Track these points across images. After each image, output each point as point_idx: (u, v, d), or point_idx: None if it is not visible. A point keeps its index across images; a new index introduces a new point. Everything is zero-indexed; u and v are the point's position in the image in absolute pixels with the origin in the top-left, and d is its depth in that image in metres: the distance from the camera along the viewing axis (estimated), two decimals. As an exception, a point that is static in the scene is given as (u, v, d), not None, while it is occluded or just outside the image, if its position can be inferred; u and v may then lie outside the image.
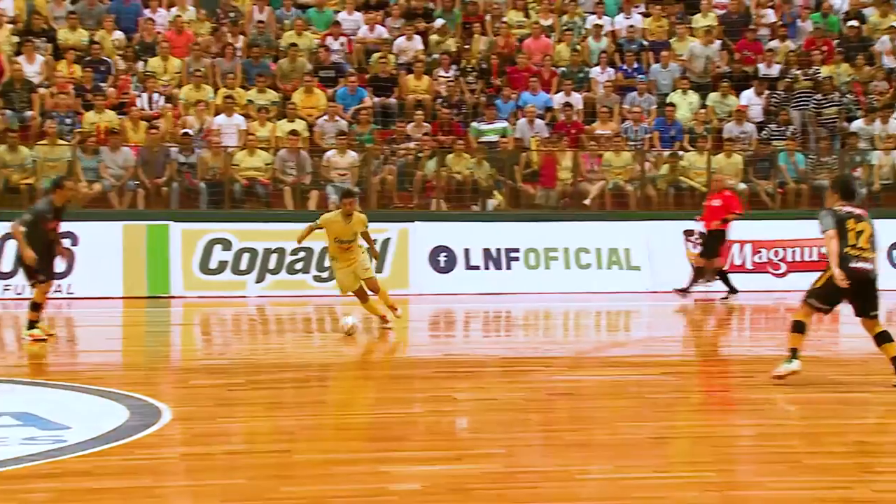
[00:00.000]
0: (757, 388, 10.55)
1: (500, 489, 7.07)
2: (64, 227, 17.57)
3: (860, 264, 10.28)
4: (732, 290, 18.12)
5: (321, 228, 13.95)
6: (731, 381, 11.42)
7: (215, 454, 8.22)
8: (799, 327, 10.40)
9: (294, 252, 18.37)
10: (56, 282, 16.43)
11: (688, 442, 8.68)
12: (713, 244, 18.11)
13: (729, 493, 6.97)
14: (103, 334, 15.45)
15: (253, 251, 18.53)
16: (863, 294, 10.35)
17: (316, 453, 8.36)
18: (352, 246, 13.83)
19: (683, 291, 18.22)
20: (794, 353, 10.34)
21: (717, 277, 18.17)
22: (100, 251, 17.98)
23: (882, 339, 10.40)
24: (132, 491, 7.09)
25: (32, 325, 13.22)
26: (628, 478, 7.33)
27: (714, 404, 10.31)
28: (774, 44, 22.86)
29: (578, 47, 22.45)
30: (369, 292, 14.17)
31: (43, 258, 13.09)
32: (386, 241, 18.57)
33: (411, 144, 20.52)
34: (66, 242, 17.72)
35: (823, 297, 10.41)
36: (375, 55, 21.66)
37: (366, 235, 13.97)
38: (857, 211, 10.56)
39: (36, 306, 13.24)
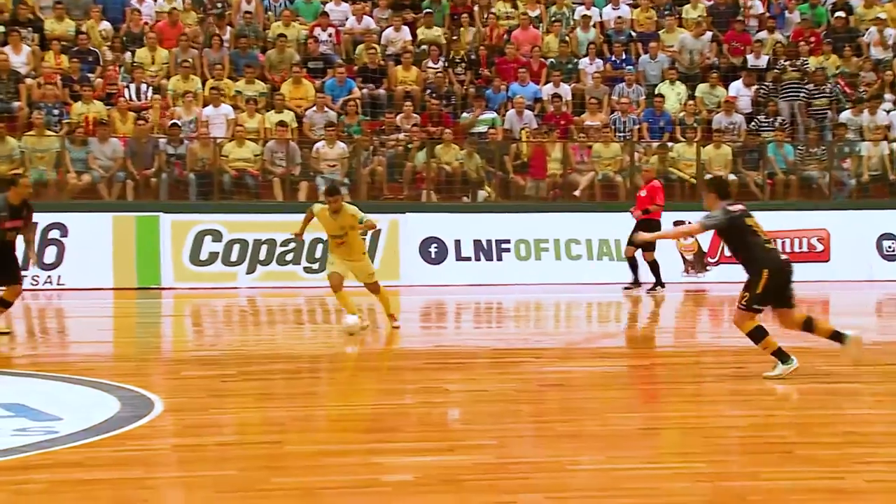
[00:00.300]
0: (748, 379, 10.57)
1: (492, 480, 7.09)
2: (54, 218, 17.73)
3: (784, 255, 10.59)
4: (659, 283, 18.03)
5: (315, 218, 13.66)
6: (721, 372, 11.44)
7: (207, 445, 8.22)
8: (761, 332, 10.33)
9: (284, 243, 18.39)
10: (41, 276, 16.41)
11: (679, 433, 8.70)
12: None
13: (720, 484, 6.99)
14: (94, 325, 15.44)
15: (243, 242, 18.54)
16: (790, 284, 10.44)
17: (307, 444, 8.37)
18: (345, 240, 13.36)
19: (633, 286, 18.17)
20: (780, 354, 10.32)
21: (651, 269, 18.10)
22: (89, 242, 17.97)
23: (809, 324, 10.46)
24: (124, 482, 7.09)
25: None
26: (619, 468, 7.35)
27: (705, 395, 10.33)
28: (763, 35, 22.90)
29: (567, 38, 22.47)
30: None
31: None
32: (377, 233, 18.56)
33: (401, 135, 20.52)
34: (55, 234, 17.84)
35: (767, 299, 10.35)
36: (363, 46, 21.64)
37: (366, 224, 13.49)
38: (742, 206, 10.73)
39: (3, 303, 13.04)
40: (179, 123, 19.61)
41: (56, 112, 19.52)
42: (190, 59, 20.55)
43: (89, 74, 20.29)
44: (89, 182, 18.97)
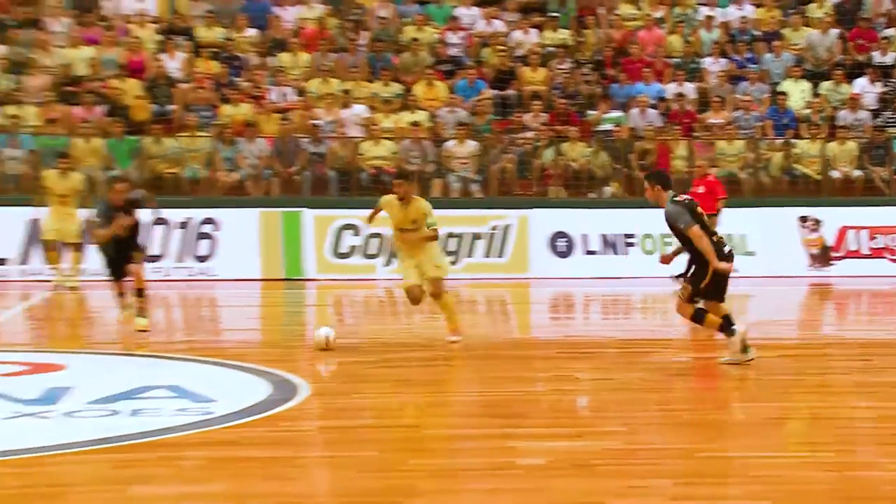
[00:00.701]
0: (874, 371, 10.33)
1: (622, 465, 7.06)
2: (206, 214, 18.11)
3: (727, 248, 10.40)
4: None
5: (383, 211, 12.00)
6: (848, 365, 11.19)
7: (350, 428, 8.35)
8: (701, 314, 10.34)
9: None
10: (195, 268, 16.49)
11: (805, 423, 8.56)
12: None
13: (847, 474, 6.86)
14: (244, 314, 15.72)
15: (381, 236, 18.69)
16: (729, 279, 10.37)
17: (443, 429, 8.44)
18: (412, 237, 11.65)
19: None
20: (727, 326, 10.28)
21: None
22: (238, 236, 18.28)
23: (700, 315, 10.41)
24: (274, 461, 7.24)
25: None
26: (747, 456, 7.26)
27: (831, 386, 10.12)
28: (890, 32, 22.25)
29: (690, 38, 22.16)
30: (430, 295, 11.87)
31: (110, 255, 12.50)
32: (506, 228, 18.61)
33: (529, 134, 20.47)
34: (207, 228, 18.22)
35: (714, 293, 10.31)
36: (492, 48, 21.66)
37: (430, 230, 11.62)
38: (689, 197, 10.66)
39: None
40: (320, 123, 19.88)
41: (207, 114, 19.93)
42: (329, 63, 20.83)
43: (237, 78, 20.67)
44: (238, 179, 19.33)
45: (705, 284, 10.23)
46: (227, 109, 19.93)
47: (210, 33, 21.42)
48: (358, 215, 18.73)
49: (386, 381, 10.05)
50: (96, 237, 12.62)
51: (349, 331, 14.22)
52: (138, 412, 8.40)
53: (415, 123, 19.94)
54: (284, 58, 21.11)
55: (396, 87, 20.90)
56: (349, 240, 18.65)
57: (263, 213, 18.57)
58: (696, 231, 10.16)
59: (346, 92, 20.40)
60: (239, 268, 18.12)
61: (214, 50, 21.05)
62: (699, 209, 10.43)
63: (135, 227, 12.45)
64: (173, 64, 20.62)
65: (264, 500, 6.40)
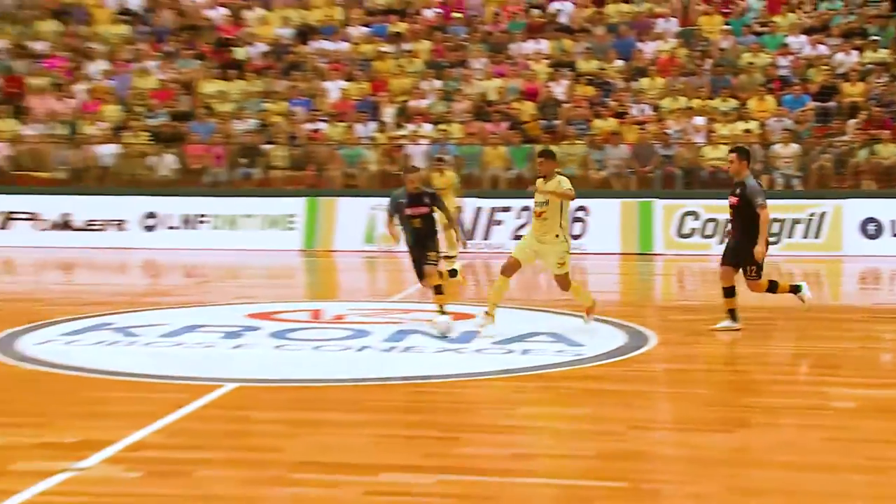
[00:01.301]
0: None
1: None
2: (581, 203, 18.18)
3: None
4: None
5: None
6: None
7: (689, 370, 8.14)
8: (774, 284, 9.53)
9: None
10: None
11: None
12: None
13: None
14: (607, 280, 15.69)
15: (716, 221, 18.06)
16: None
17: (766, 374, 8.06)
18: (545, 212, 9.23)
19: None
20: (733, 314, 9.38)
21: None
22: (604, 220, 18.25)
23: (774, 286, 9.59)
24: (628, 393, 7.20)
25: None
26: None
27: None
28: None
29: None
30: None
31: (410, 240, 9.88)
32: (822, 215, 17.44)
33: (845, 137, 19.00)
34: (581, 214, 18.29)
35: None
36: (816, 68, 20.25)
37: (562, 195, 9.17)
38: None
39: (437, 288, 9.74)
40: (670, 132, 19.44)
41: (583, 126, 20.02)
42: (679, 85, 20.30)
43: (606, 98, 20.59)
44: (604, 177, 19.30)
45: (760, 261, 9.35)
46: (598, 123, 19.92)
47: (587, 65, 21.46)
48: (698, 204, 18.25)
49: (718, 336, 9.69)
50: (392, 234, 9.87)
51: (689, 295, 13.87)
52: (527, 352, 8.55)
53: (747, 131, 19.05)
54: (644, 82, 20.79)
55: (733, 103, 20.05)
56: (690, 224, 18.18)
57: (623, 203, 18.43)
58: (767, 213, 9.17)
59: (691, 108, 19.82)
60: (604, 244, 18.08)
61: (590, 77, 21.07)
62: None
63: (429, 221, 9.76)
64: (559, 89, 20.84)
65: (618, 423, 6.37)
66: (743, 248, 9.34)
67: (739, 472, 5.28)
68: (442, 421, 6.44)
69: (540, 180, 9.40)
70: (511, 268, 9.40)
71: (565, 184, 9.28)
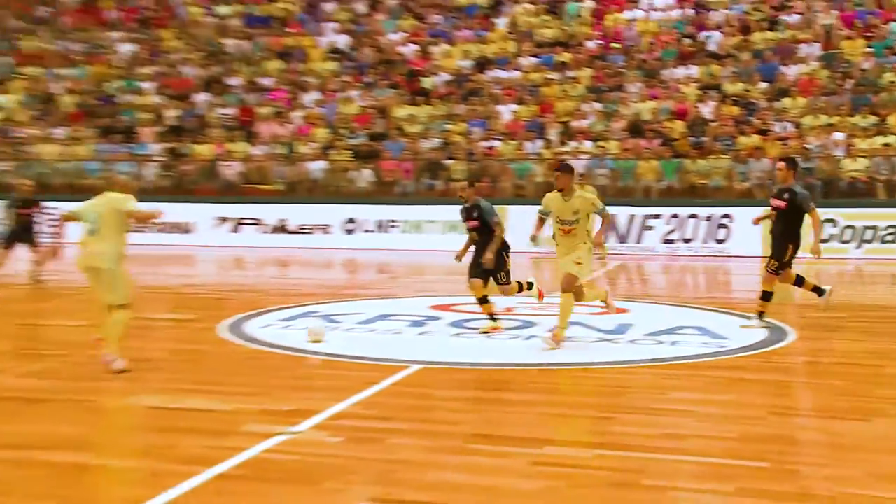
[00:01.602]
0: None
1: None
2: (724, 211, 17.49)
3: None
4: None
5: (546, 214, 8.31)
6: None
7: (826, 363, 7.72)
8: (801, 279, 8.93)
9: (886, 228, 16.56)
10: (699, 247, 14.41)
11: None
12: None
13: None
14: (749, 280, 14.95)
15: (854, 228, 17.01)
16: None
17: (900, 371, 7.54)
18: (574, 229, 8.13)
19: None
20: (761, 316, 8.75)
21: None
22: (746, 226, 17.12)
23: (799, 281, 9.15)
24: (768, 382, 6.89)
25: (492, 317, 8.94)
26: None
27: None
28: None
29: None
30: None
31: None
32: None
33: None
34: (725, 221, 17.61)
35: (788, 263, 8.80)
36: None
37: (604, 215, 8.13)
38: None
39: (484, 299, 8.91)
40: (810, 147, 18.45)
41: (728, 142, 19.31)
42: (820, 103, 19.23)
43: (750, 117, 19.78)
44: (747, 187, 18.54)
45: (788, 257, 8.83)
46: (742, 139, 19.17)
47: (733, 87, 20.68)
48: (836, 212, 17.24)
49: (854, 331, 9.16)
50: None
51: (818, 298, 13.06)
52: (676, 343, 8.37)
53: (886, 145, 17.84)
54: (786, 101, 19.86)
55: (872, 119, 18.83)
56: (829, 230, 17.19)
57: (765, 210, 17.59)
58: (818, 213, 8.79)
59: (831, 124, 18.74)
60: (747, 248, 17.38)
61: (736, 98, 20.31)
62: None
63: (482, 233, 8.89)
64: (706, 109, 20.19)
65: (760, 409, 6.15)
66: (779, 247, 8.98)
67: (879, 459, 5.00)
68: (599, 402, 6.42)
69: (556, 197, 8.14)
70: (570, 284, 8.00)
71: (599, 205, 8.15)
